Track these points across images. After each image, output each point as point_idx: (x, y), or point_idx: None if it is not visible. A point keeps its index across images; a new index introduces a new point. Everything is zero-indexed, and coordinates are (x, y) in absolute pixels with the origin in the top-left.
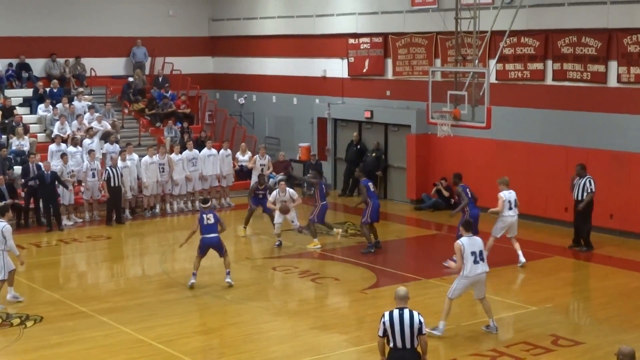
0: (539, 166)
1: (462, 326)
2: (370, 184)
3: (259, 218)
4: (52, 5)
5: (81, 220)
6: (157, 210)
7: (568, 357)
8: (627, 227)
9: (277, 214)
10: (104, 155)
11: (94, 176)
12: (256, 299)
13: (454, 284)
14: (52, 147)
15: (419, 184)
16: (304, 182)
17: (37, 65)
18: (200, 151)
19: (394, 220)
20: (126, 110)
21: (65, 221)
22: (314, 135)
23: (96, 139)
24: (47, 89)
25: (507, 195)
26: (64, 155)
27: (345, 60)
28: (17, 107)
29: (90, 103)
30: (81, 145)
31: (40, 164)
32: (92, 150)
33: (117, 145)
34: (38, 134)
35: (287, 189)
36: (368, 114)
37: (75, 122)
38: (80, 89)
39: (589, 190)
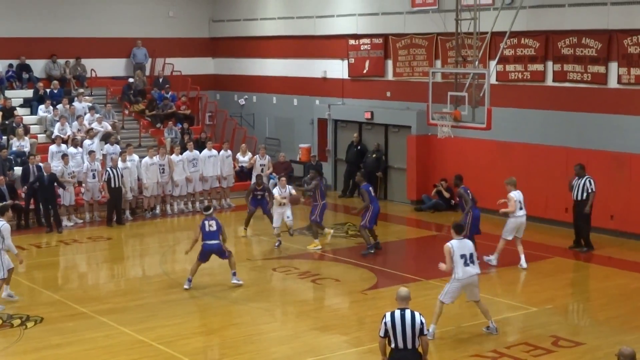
0: (539, 167)
1: (463, 327)
2: (371, 189)
3: (260, 219)
4: (53, 6)
5: (81, 221)
6: (158, 211)
7: (569, 358)
8: (628, 228)
9: (276, 216)
10: (104, 156)
11: (94, 177)
12: (256, 299)
13: (446, 287)
14: (53, 148)
15: (419, 185)
16: (309, 190)
17: (38, 66)
18: (200, 152)
19: (394, 221)
20: (126, 111)
21: (65, 222)
22: (314, 136)
23: (96, 140)
24: (48, 90)
25: (517, 195)
26: (65, 156)
27: (346, 61)
28: (17, 108)
29: (90, 104)
30: (81, 146)
31: (41, 164)
32: (93, 151)
33: (118, 146)
34: (38, 135)
35: (287, 185)
36: (368, 115)
37: (75, 123)
38: (81, 90)
39: (590, 190)
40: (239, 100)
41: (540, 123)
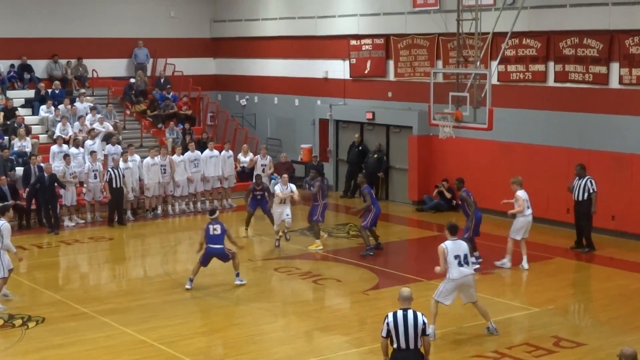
0: (540, 167)
1: (465, 327)
2: (372, 191)
3: (260, 219)
4: (54, 6)
5: (83, 221)
6: (159, 211)
7: (570, 359)
8: (629, 228)
9: (276, 215)
10: (105, 156)
11: (95, 177)
12: (258, 300)
13: (440, 287)
14: (54, 148)
15: (421, 186)
16: (316, 193)
17: (39, 67)
18: (202, 152)
19: (396, 222)
20: (128, 112)
21: (67, 222)
22: (316, 136)
23: (98, 140)
24: (49, 90)
25: (524, 194)
26: (66, 157)
27: (347, 62)
28: (19, 108)
29: (92, 104)
30: (83, 147)
31: (42, 165)
32: (94, 152)
33: (119, 147)
34: (40, 135)
35: (289, 183)
36: (370, 116)
37: (77, 124)
38: (82, 90)
39: (591, 191)
40: (241, 101)
41: (542, 123)
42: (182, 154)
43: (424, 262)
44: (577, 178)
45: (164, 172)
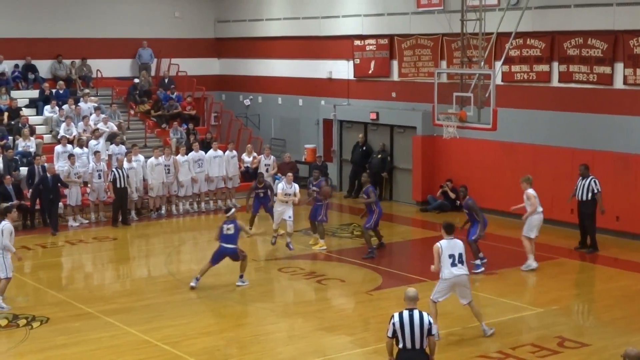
0: (544, 168)
1: (468, 328)
2: (376, 191)
3: (264, 219)
4: (58, 6)
5: (87, 221)
6: (163, 211)
7: (574, 359)
8: (633, 229)
9: (276, 215)
10: (109, 156)
11: (99, 177)
12: (262, 300)
13: (435, 287)
14: (58, 148)
15: (425, 186)
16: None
17: (43, 67)
18: (206, 153)
19: (400, 222)
20: (132, 112)
21: (71, 222)
22: (320, 136)
23: (102, 140)
24: (53, 90)
25: (534, 192)
26: (71, 156)
27: (351, 62)
28: (23, 109)
29: (96, 104)
30: (87, 147)
31: (46, 165)
32: (98, 152)
33: (123, 147)
34: (44, 135)
35: (293, 183)
36: (374, 116)
37: (81, 124)
38: (86, 90)
39: (595, 191)
40: (245, 101)
41: (546, 124)
42: (186, 154)
43: (428, 263)
44: (580, 178)
45: (168, 172)
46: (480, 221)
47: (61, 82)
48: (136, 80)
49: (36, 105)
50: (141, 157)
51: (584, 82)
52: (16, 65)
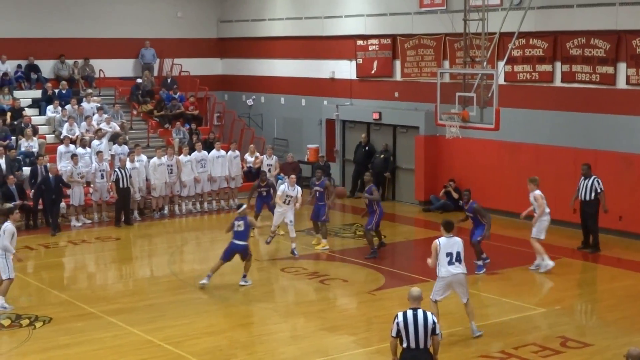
0: (547, 168)
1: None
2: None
3: (267, 219)
4: (61, 6)
5: (90, 221)
6: (166, 211)
7: (577, 359)
8: (636, 229)
9: (276, 215)
10: (112, 156)
11: (102, 177)
12: (265, 300)
13: (434, 286)
14: (61, 148)
15: (427, 186)
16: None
17: (46, 67)
18: (208, 153)
19: (402, 222)
20: (135, 112)
21: (74, 222)
22: (322, 136)
23: (105, 140)
24: (56, 90)
25: (542, 193)
26: (74, 156)
27: (354, 62)
28: (26, 109)
29: (99, 104)
30: (90, 147)
31: (48, 165)
32: (101, 152)
33: (126, 147)
34: (47, 135)
35: (296, 185)
36: (376, 116)
37: (84, 124)
38: (89, 90)
39: (598, 190)
40: (247, 101)
41: (549, 124)
42: (189, 154)
43: None
44: (582, 178)
45: (171, 172)
46: (487, 223)
47: (64, 82)
48: (139, 80)
49: (39, 105)
50: (144, 157)
51: (587, 82)
52: (19, 65)
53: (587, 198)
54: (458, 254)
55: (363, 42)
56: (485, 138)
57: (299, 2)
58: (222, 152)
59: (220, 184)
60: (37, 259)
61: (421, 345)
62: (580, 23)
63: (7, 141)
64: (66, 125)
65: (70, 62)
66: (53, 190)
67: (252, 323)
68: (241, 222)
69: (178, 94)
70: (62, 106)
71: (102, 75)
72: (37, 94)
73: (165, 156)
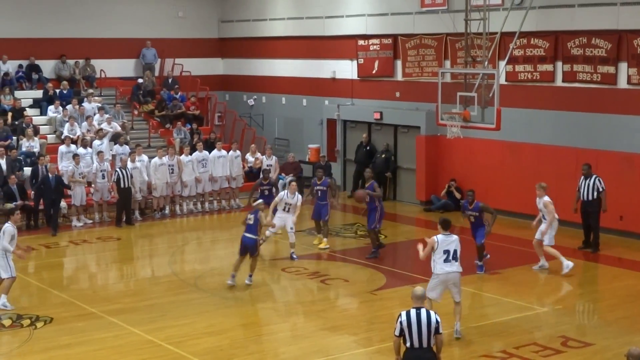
0: (548, 168)
1: (472, 327)
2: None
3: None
4: (62, 6)
5: (91, 221)
6: (167, 211)
7: (578, 359)
8: (637, 228)
9: (276, 219)
10: (113, 156)
11: (103, 177)
12: (265, 300)
13: (429, 283)
14: (62, 148)
15: (429, 186)
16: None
17: (47, 67)
18: (209, 153)
19: (403, 222)
20: (136, 112)
21: (75, 222)
22: (324, 136)
23: (106, 140)
24: (57, 91)
25: (550, 199)
26: (75, 156)
27: (355, 62)
28: (27, 109)
29: (100, 104)
30: (91, 147)
31: (48, 165)
32: (102, 152)
33: (127, 147)
34: (48, 136)
35: (297, 194)
36: (377, 116)
37: (85, 124)
38: (90, 91)
39: (600, 189)
40: (248, 101)
41: (550, 123)
42: (190, 154)
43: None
44: (583, 178)
45: (172, 172)
46: (493, 217)
47: (65, 82)
48: (140, 80)
49: (40, 105)
50: (145, 157)
51: (588, 81)
52: (20, 66)
53: (589, 198)
54: (455, 252)
55: (364, 42)
56: (486, 138)
57: (300, 2)
58: (223, 152)
59: (221, 184)
60: (38, 259)
61: (424, 345)
62: (581, 23)
63: (8, 141)
64: (67, 125)
65: (71, 62)
66: (53, 190)
67: (253, 323)
68: (252, 216)
69: (179, 94)
70: (63, 106)
71: (103, 75)
72: (38, 94)
73: (167, 156)
